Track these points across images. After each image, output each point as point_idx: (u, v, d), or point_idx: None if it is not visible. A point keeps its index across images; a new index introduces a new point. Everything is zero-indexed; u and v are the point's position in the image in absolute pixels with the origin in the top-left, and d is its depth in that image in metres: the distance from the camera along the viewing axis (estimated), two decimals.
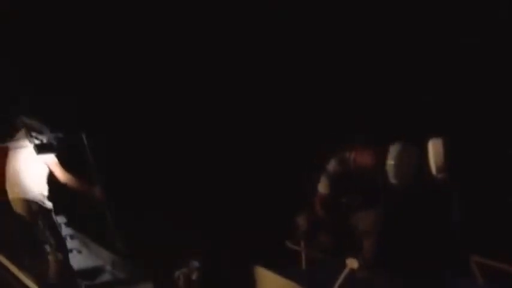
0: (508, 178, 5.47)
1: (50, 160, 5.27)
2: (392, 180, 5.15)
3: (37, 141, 5.23)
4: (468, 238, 5.45)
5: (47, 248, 5.30)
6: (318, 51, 6.65)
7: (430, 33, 5.97)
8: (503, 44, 5.60)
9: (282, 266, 5.32)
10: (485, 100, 5.71)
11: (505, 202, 5.42)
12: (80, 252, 5.76)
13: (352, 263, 4.64)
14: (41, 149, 5.23)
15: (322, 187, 5.33)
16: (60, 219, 5.70)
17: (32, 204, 5.27)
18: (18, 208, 5.34)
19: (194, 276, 5.46)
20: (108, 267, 5.90)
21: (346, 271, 4.64)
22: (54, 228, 5.31)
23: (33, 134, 5.24)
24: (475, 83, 5.76)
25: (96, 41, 7.17)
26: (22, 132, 5.39)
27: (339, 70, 6.44)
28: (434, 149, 5.30)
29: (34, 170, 5.31)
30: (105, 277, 5.85)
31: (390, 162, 5.16)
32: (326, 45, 6.60)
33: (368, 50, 6.36)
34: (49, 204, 5.36)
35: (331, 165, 5.61)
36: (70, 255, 5.49)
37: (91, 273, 5.76)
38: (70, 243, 5.72)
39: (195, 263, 5.48)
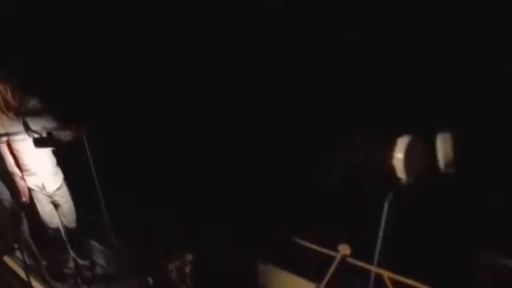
0: None
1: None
2: (400, 174, 4.99)
3: (36, 135, 5.22)
4: (474, 234, 5.20)
5: None
6: (319, 48, 6.53)
7: (435, 29, 5.81)
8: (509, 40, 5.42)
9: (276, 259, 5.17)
10: (494, 94, 5.51)
11: None
12: None
13: (344, 249, 4.47)
14: (39, 142, 5.23)
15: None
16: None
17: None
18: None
19: (187, 269, 5.33)
20: (101, 262, 5.84)
21: (338, 257, 4.45)
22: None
23: (33, 127, 5.23)
24: (484, 77, 5.57)
25: (99, 38, 7.19)
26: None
27: (346, 63, 6.30)
28: (442, 143, 5.11)
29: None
30: (98, 271, 5.78)
31: (398, 155, 5.00)
32: (328, 42, 6.48)
33: (376, 44, 6.21)
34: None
35: (338, 160, 5.49)
36: None
37: (84, 268, 5.67)
38: None
39: (189, 256, 5.35)
